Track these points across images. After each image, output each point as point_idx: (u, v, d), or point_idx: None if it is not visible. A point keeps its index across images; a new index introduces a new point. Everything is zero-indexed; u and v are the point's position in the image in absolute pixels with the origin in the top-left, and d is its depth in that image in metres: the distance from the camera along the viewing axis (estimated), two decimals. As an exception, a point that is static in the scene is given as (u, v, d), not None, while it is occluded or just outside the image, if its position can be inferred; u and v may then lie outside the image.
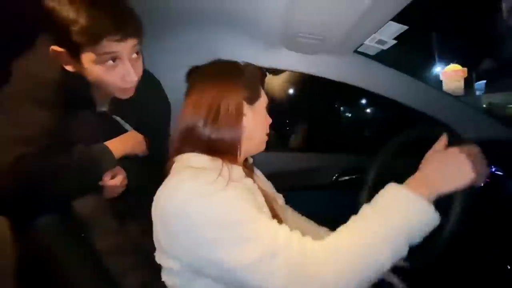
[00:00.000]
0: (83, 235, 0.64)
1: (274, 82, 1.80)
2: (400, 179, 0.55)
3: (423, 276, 0.85)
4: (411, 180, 0.55)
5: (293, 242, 0.49)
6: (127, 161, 0.73)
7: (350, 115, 1.96)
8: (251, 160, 0.77)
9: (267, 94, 0.70)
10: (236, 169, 0.60)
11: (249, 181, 0.61)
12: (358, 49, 1.05)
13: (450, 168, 0.53)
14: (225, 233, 0.48)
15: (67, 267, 0.61)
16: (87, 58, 0.58)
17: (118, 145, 0.71)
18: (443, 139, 0.60)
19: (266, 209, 0.60)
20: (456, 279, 0.92)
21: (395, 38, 0.95)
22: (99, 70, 0.60)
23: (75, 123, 0.67)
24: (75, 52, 0.58)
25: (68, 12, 0.54)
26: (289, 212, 0.90)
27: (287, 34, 0.96)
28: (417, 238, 0.51)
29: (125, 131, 0.77)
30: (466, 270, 0.91)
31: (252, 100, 0.64)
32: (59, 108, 0.63)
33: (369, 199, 0.84)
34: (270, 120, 0.71)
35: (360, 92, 1.19)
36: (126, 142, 0.74)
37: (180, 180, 0.52)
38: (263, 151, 0.70)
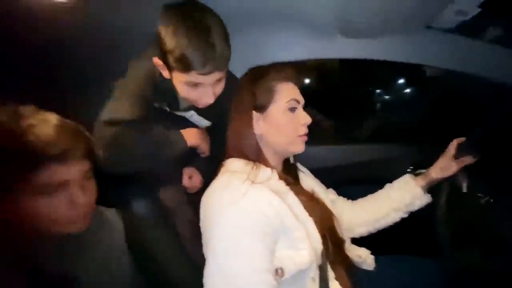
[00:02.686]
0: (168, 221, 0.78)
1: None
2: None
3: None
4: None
5: None
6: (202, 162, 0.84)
7: (425, 100, 1.71)
8: (292, 160, 0.81)
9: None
10: (264, 171, 0.66)
11: (279, 183, 0.66)
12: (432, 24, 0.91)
13: None
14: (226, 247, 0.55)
15: (161, 250, 0.75)
16: (176, 77, 0.70)
17: (192, 135, 0.84)
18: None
19: (300, 209, 0.65)
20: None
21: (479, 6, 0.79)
22: (183, 88, 0.71)
23: (158, 116, 0.80)
24: (169, 69, 0.70)
25: (170, 42, 0.65)
26: (343, 205, 0.92)
27: (343, 21, 0.91)
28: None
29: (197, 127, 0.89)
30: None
31: (261, 108, 0.70)
32: (151, 102, 0.77)
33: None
34: (304, 120, 0.72)
35: (437, 74, 1.04)
36: (196, 135, 0.86)
37: (214, 188, 0.63)
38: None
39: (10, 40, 0.72)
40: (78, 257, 0.64)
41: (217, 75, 0.69)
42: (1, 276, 0.53)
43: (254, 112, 0.71)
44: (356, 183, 1.35)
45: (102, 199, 0.72)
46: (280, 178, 0.68)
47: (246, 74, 0.76)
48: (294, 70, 0.74)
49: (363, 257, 0.84)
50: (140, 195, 0.78)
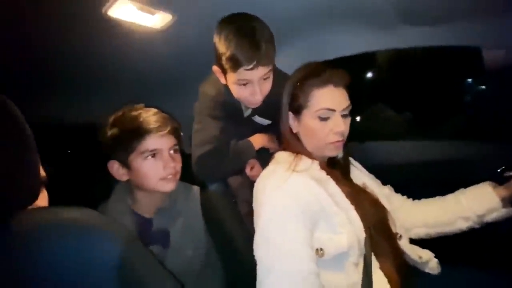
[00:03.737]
0: (234, 200, 0.94)
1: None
2: None
3: None
4: None
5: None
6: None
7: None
8: (340, 154, 0.83)
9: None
10: (304, 161, 0.73)
11: (320, 173, 0.72)
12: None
13: None
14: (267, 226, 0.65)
15: (228, 218, 0.91)
16: (230, 78, 0.83)
17: (258, 140, 0.98)
18: None
19: (340, 196, 0.69)
20: None
21: None
22: (236, 88, 0.84)
23: (231, 127, 0.96)
24: (224, 71, 0.83)
25: (221, 47, 0.77)
26: (401, 202, 0.90)
27: (405, 9, 0.87)
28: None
29: (262, 127, 1.02)
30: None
31: (296, 111, 0.76)
32: (223, 118, 0.93)
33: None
34: (335, 129, 0.72)
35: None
36: (263, 139, 1.00)
37: (263, 176, 0.74)
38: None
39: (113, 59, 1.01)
40: (172, 217, 0.87)
41: (262, 70, 0.77)
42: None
43: (290, 112, 0.78)
44: (433, 183, 1.24)
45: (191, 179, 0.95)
46: (321, 168, 0.73)
47: (294, 72, 0.80)
48: (338, 71, 0.74)
49: (424, 259, 0.80)
50: (216, 178, 0.98)
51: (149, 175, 0.80)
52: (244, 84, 0.81)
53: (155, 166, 0.80)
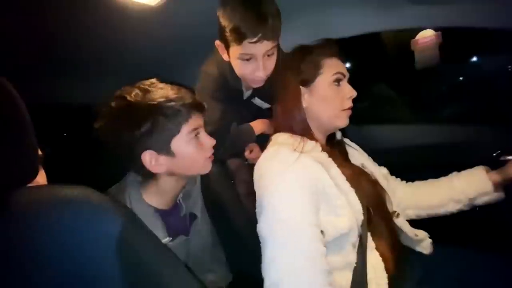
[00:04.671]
0: (232, 181, 0.96)
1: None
2: None
3: None
4: None
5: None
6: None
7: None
8: (338, 136, 0.83)
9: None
10: (309, 143, 0.71)
11: (322, 155, 0.70)
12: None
13: None
14: (271, 209, 0.62)
15: (227, 199, 0.92)
16: (233, 52, 0.80)
17: (259, 125, 0.99)
18: None
19: (341, 179, 0.68)
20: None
21: None
22: (238, 64, 0.81)
23: (232, 109, 0.95)
24: (227, 46, 0.80)
25: (226, 19, 0.74)
26: (395, 184, 0.90)
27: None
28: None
29: (261, 109, 1.02)
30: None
31: (306, 82, 0.73)
32: (224, 100, 0.92)
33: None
34: (350, 93, 0.72)
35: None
36: (264, 124, 1.00)
37: (266, 158, 0.71)
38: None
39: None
40: (195, 200, 0.84)
41: (266, 45, 0.75)
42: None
43: (300, 86, 0.74)
44: (429, 167, 1.26)
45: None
46: (323, 150, 0.72)
47: (292, 51, 0.79)
48: (338, 46, 0.75)
49: (420, 237, 0.82)
50: (215, 159, 0.98)
51: (197, 156, 0.72)
52: (248, 60, 0.78)
53: (200, 145, 0.72)
